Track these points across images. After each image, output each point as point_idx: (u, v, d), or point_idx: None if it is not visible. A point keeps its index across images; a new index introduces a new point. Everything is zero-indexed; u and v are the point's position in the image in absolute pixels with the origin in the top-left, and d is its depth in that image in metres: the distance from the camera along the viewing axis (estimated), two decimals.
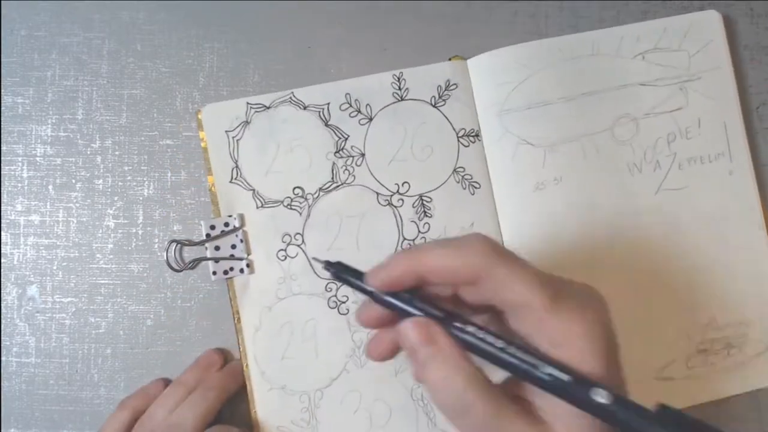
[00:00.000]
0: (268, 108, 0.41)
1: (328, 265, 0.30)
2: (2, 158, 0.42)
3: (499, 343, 0.26)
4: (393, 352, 0.29)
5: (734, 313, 0.42)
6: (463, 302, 0.28)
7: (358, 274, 0.29)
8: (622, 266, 0.41)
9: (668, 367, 0.41)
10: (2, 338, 0.41)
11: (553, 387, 0.25)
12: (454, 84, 0.42)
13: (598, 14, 0.43)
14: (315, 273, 0.41)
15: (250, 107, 0.41)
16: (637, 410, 0.24)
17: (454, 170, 0.42)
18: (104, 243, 0.42)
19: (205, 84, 0.42)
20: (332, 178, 0.41)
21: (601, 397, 0.24)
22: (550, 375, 0.25)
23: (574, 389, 0.25)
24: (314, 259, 0.36)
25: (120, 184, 0.42)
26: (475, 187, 0.42)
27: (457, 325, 0.27)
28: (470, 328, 0.27)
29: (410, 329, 0.27)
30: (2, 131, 0.42)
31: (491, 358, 0.26)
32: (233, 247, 0.41)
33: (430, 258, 0.27)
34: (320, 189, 0.41)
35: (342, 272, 0.29)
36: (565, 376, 0.25)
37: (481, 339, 0.27)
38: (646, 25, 0.42)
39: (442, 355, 0.27)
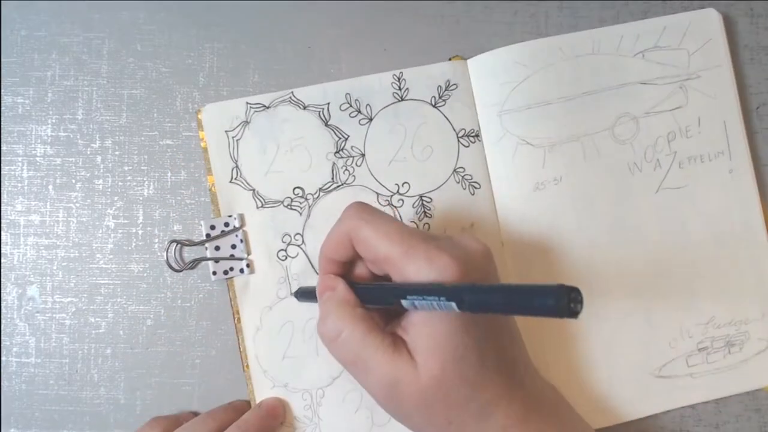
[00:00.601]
0: (268, 108, 0.41)
1: (294, 294, 0.40)
2: (2, 158, 0.42)
3: (382, 283, 0.33)
4: None
5: (734, 311, 0.42)
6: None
7: (314, 291, 0.37)
8: (622, 265, 0.41)
9: (668, 366, 0.41)
10: (2, 338, 0.41)
11: (421, 289, 0.29)
12: (454, 84, 0.42)
13: (598, 14, 0.43)
14: (315, 272, 0.41)
15: (250, 107, 0.41)
16: (468, 285, 0.28)
17: (454, 170, 0.42)
18: (104, 243, 0.42)
19: (205, 84, 0.42)
20: (332, 178, 0.41)
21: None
22: (414, 283, 0.30)
23: (430, 284, 0.29)
24: (292, 294, 0.41)
25: (120, 184, 0.42)
26: (475, 187, 0.42)
27: (363, 283, 0.34)
28: (368, 284, 0.34)
29: (321, 280, 0.35)
30: (2, 131, 0.42)
31: (380, 297, 0.33)
32: (233, 247, 0.41)
33: (323, 243, 0.35)
34: (320, 189, 0.41)
35: (302, 295, 0.40)
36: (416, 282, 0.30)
37: (371, 285, 0.34)
38: (645, 24, 0.42)
39: (336, 296, 0.34)
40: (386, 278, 0.33)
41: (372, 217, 0.33)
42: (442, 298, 0.28)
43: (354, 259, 0.35)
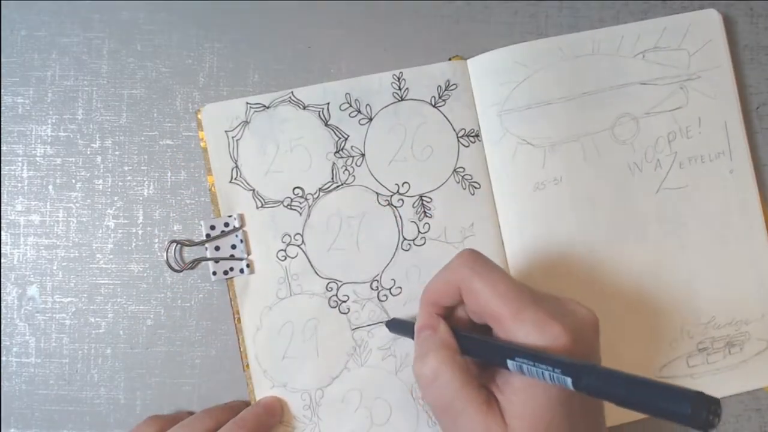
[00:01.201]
0: (268, 108, 0.41)
1: (387, 323, 0.40)
2: (2, 158, 0.42)
3: (487, 338, 0.31)
4: None
5: (735, 312, 0.42)
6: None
7: (409, 325, 0.36)
8: (622, 265, 0.41)
9: (669, 366, 0.41)
10: (2, 338, 0.41)
11: (526, 353, 0.28)
12: (454, 84, 0.42)
13: (598, 14, 0.43)
14: (315, 273, 0.41)
15: (250, 107, 0.41)
16: (590, 366, 0.26)
17: (454, 170, 0.42)
18: (104, 243, 0.42)
19: (205, 84, 0.42)
20: (332, 178, 0.41)
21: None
22: (530, 347, 0.29)
23: (545, 353, 0.28)
24: (385, 324, 0.41)
25: (120, 184, 0.42)
26: (475, 187, 0.42)
27: (461, 330, 0.33)
28: (472, 334, 0.32)
29: (421, 318, 0.34)
30: (2, 131, 0.42)
31: (483, 352, 0.31)
32: (233, 247, 0.41)
33: (428, 287, 0.34)
34: (320, 189, 0.41)
35: (395, 327, 0.39)
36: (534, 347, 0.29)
37: (474, 336, 0.32)
38: (646, 24, 0.42)
39: (437, 338, 0.32)
40: (485, 328, 0.32)
41: (485, 270, 0.31)
42: (557, 371, 0.26)
43: (457, 304, 0.34)
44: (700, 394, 0.22)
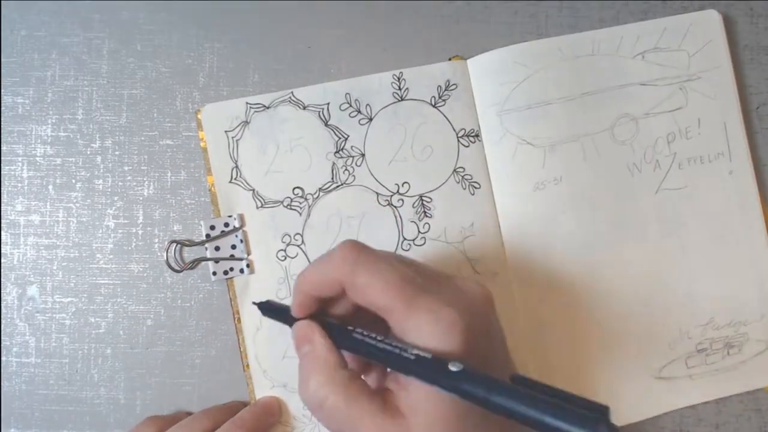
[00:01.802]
0: (268, 108, 0.41)
1: (259, 304, 0.35)
2: (2, 158, 0.42)
3: (376, 338, 0.29)
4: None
5: (734, 313, 0.42)
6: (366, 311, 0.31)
7: (285, 310, 0.33)
8: (621, 266, 0.41)
9: (668, 367, 0.41)
10: (2, 338, 0.41)
11: (417, 367, 0.27)
12: (454, 84, 0.42)
13: (598, 14, 0.43)
14: None
15: (250, 107, 0.41)
16: (484, 378, 0.26)
17: (454, 170, 0.42)
18: (104, 243, 0.42)
19: (205, 84, 0.42)
20: (332, 178, 0.41)
21: (454, 366, 0.26)
22: (415, 355, 0.27)
23: (434, 364, 0.26)
24: (253, 303, 0.37)
25: (120, 184, 0.42)
26: (475, 187, 0.42)
27: (347, 328, 0.30)
28: (356, 333, 0.30)
29: (296, 329, 0.32)
30: (2, 131, 0.42)
31: (372, 354, 0.29)
32: (233, 247, 0.41)
33: (304, 278, 0.31)
34: (320, 189, 0.41)
35: (268, 310, 0.35)
36: (427, 354, 0.27)
37: (362, 337, 0.30)
38: (646, 25, 0.42)
39: (315, 356, 0.30)
40: (370, 316, 0.30)
41: (370, 262, 0.29)
42: (443, 390, 0.26)
43: (338, 296, 0.31)
44: (595, 421, 0.22)
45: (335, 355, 0.30)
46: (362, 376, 0.33)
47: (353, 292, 0.30)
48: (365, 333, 0.30)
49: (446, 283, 0.31)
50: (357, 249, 0.30)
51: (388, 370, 0.30)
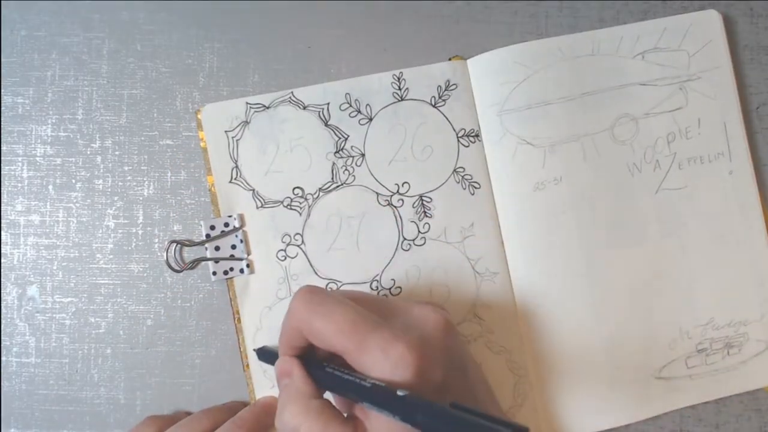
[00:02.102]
0: (268, 108, 0.41)
1: (256, 351, 0.39)
2: (2, 158, 0.42)
3: (342, 372, 0.31)
4: None
5: (734, 312, 0.42)
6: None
7: (276, 354, 0.35)
8: (621, 266, 0.41)
9: (668, 367, 0.41)
10: (2, 338, 0.41)
11: (370, 394, 0.29)
12: (454, 84, 0.42)
13: (598, 14, 0.43)
14: (315, 273, 0.41)
15: (250, 107, 0.41)
16: (428, 405, 0.27)
17: (454, 170, 0.42)
18: (104, 243, 0.42)
19: (205, 84, 0.42)
20: (332, 178, 0.41)
21: (401, 392, 0.28)
22: (371, 384, 0.29)
23: (384, 392, 0.28)
24: (254, 350, 0.40)
25: (120, 184, 0.42)
26: (475, 187, 0.42)
27: (322, 364, 0.33)
28: (328, 368, 0.32)
29: (278, 364, 0.34)
30: (2, 131, 0.42)
31: (339, 385, 0.31)
32: (233, 247, 0.41)
33: (281, 332, 0.34)
34: (320, 189, 0.41)
35: (263, 355, 0.38)
36: (381, 383, 0.29)
37: (332, 371, 0.32)
38: (645, 25, 0.42)
39: (292, 387, 0.32)
40: None
41: (321, 306, 0.31)
42: (396, 417, 0.27)
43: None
44: (512, 427, 0.24)
45: (310, 386, 0.32)
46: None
47: (312, 338, 0.31)
48: (335, 368, 0.32)
49: (400, 314, 0.33)
50: (309, 295, 0.32)
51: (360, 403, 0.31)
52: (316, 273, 0.41)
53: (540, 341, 0.41)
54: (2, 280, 0.41)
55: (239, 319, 0.41)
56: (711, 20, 0.42)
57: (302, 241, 0.41)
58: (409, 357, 0.29)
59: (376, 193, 0.41)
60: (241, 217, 0.41)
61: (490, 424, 0.25)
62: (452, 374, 0.32)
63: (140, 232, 0.42)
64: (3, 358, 0.41)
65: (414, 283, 0.41)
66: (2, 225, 0.42)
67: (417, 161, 0.42)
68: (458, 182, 0.42)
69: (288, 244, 0.41)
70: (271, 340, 0.40)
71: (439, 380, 0.30)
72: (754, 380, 0.42)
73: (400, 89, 0.42)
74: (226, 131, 0.41)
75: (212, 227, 0.41)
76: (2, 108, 0.42)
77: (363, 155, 0.41)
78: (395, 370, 0.29)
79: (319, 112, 0.41)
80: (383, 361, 0.29)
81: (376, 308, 0.32)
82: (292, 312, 0.32)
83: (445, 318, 0.33)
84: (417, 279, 0.41)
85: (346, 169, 0.41)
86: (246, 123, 0.41)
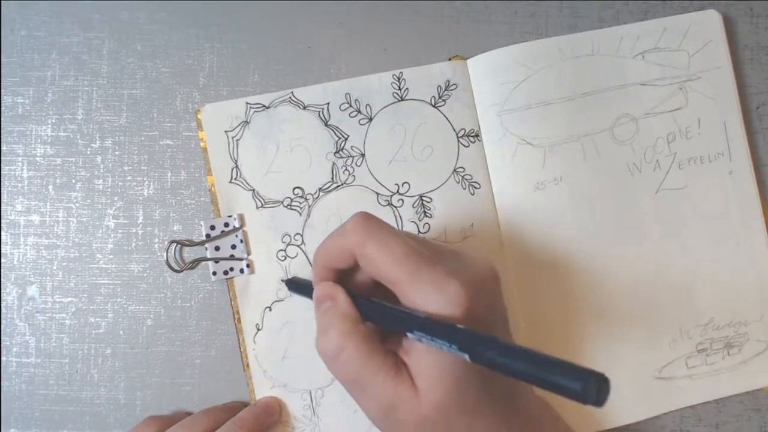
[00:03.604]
0: (268, 108, 0.41)
1: (286, 281, 0.39)
2: (2, 158, 0.42)
3: (387, 304, 0.31)
4: None
5: (734, 312, 0.42)
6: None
7: (309, 286, 0.35)
8: (621, 266, 0.41)
9: (668, 367, 0.41)
10: (2, 338, 0.41)
11: (426, 323, 0.28)
12: (454, 84, 0.42)
13: (598, 14, 0.43)
14: None
15: (250, 107, 0.41)
16: (489, 336, 0.26)
17: (454, 170, 0.42)
18: (104, 243, 0.42)
19: (205, 84, 0.42)
20: (332, 178, 0.41)
21: (461, 326, 0.27)
22: (425, 316, 0.28)
23: (442, 324, 0.28)
24: (281, 280, 0.40)
25: (120, 184, 0.42)
26: (475, 187, 0.42)
27: (362, 297, 0.32)
28: (372, 300, 0.32)
29: (319, 288, 0.33)
30: (2, 131, 0.42)
31: (385, 317, 0.31)
32: (233, 247, 0.41)
33: (320, 250, 0.33)
34: (320, 189, 0.41)
35: (294, 285, 0.38)
36: (428, 315, 0.28)
37: (375, 304, 0.31)
38: (646, 25, 0.42)
39: (337, 309, 0.31)
40: (388, 290, 0.32)
41: (379, 234, 0.30)
42: (453, 347, 0.26)
43: (353, 267, 0.33)
44: (591, 373, 0.22)
45: (356, 311, 0.31)
46: None
47: (363, 263, 0.31)
48: (378, 301, 0.32)
49: (453, 257, 0.32)
50: (367, 221, 0.31)
51: (406, 335, 0.30)
52: None
53: (540, 341, 0.41)
54: (2, 280, 0.41)
55: (239, 319, 0.41)
56: (711, 20, 0.42)
57: (302, 241, 0.41)
58: (462, 295, 0.28)
59: (376, 193, 0.41)
60: (241, 217, 0.41)
61: (565, 362, 0.23)
62: (496, 322, 0.32)
63: (140, 232, 0.42)
64: (3, 358, 0.41)
65: None
66: (2, 225, 0.42)
67: (417, 161, 0.42)
68: (458, 182, 0.42)
69: (288, 244, 0.41)
70: (271, 340, 0.40)
71: (485, 324, 0.30)
72: (754, 380, 0.42)
73: (400, 89, 0.42)
74: (226, 131, 0.41)
75: (212, 227, 0.41)
76: (2, 108, 0.42)
77: (363, 155, 0.41)
78: (447, 306, 0.28)
79: (319, 112, 0.41)
80: (436, 295, 0.28)
81: (431, 247, 0.32)
82: (347, 232, 0.31)
83: (495, 267, 0.32)
84: None
85: (346, 169, 0.41)
86: (246, 123, 0.41)
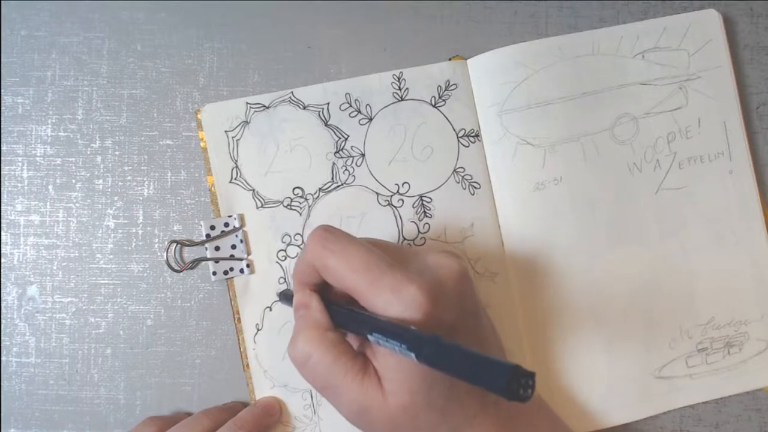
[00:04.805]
0: (268, 108, 0.41)
1: (279, 294, 0.40)
2: (2, 158, 0.42)
3: (354, 310, 0.32)
4: None
5: (734, 312, 0.42)
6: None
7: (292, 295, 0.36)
8: (621, 266, 0.41)
9: (668, 366, 0.41)
10: (2, 338, 0.41)
11: (383, 324, 0.29)
12: (454, 84, 0.42)
13: (598, 14, 0.43)
14: None
15: (250, 107, 0.41)
16: (435, 338, 0.26)
17: (454, 170, 0.42)
18: (104, 243, 0.42)
19: (205, 84, 0.42)
20: (332, 178, 0.41)
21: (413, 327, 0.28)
22: (384, 319, 0.29)
23: (397, 326, 0.28)
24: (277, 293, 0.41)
25: (120, 184, 0.42)
26: (475, 187, 0.42)
27: (334, 302, 0.33)
28: (343, 308, 0.32)
29: (296, 297, 0.34)
30: (2, 131, 0.42)
31: (351, 321, 0.32)
32: (233, 247, 0.41)
33: (295, 269, 0.34)
34: (320, 189, 0.41)
35: (284, 299, 0.39)
36: (391, 319, 0.29)
37: (344, 310, 0.32)
38: (645, 25, 0.42)
39: (308, 317, 0.33)
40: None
41: (336, 245, 0.31)
42: (403, 346, 0.27)
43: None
44: (515, 368, 0.23)
45: (326, 319, 0.32)
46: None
47: (325, 275, 0.32)
48: (348, 307, 0.32)
49: (415, 260, 0.33)
50: (325, 233, 0.32)
51: (367, 338, 0.31)
52: None
53: (540, 341, 0.41)
54: (2, 280, 0.41)
55: (239, 319, 0.41)
56: (711, 20, 0.42)
57: (302, 241, 0.41)
58: (420, 298, 0.29)
59: (376, 193, 0.41)
60: (241, 217, 0.41)
61: (493, 358, 0.24)
62: (464, 320, 0.32)
63: (140, 232, 0.42)
64: (3, 358, 0.41)
65: None
66: (2, 225, 0.42)
67: (417, 161, 0.42)
68: (458, 182, 0.42)
69: (288, 244, 0.41)
70: (271, 340, 0.40)
71: (449, 324, 0.31)
72: (755, 380, 0.42)
73: (400, 89, 0.42)
74: (226, 131, 0.41)
75: (212, 227, 0.41)
76: (2, 108, 0.42)
77: (363, 155, 0.41)
78: (406, 310, 0.29)
79: (319, 112, 0.41)
80: (394, 301, 0.29)
81: (392, 253, 0.32)
82: (308, 249, 0.32)
83: (460, 265, 0.32)
84: None
85: (346, 169, 0.41)
86: (246, 123, 0.41)
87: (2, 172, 0.42)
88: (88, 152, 0.42)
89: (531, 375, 0.23)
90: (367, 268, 0.30)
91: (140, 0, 0.42)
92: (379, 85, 0.42)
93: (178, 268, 0.41)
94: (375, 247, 0.32)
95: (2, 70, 0.42)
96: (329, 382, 0.31)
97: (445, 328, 0.30)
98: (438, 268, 0.32)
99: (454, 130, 0.42)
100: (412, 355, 0.27)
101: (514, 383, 0.23)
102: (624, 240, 0.41)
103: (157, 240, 0.42)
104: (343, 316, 0.32)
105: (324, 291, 0.34)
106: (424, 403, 0.30)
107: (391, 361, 0.30)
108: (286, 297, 0.39)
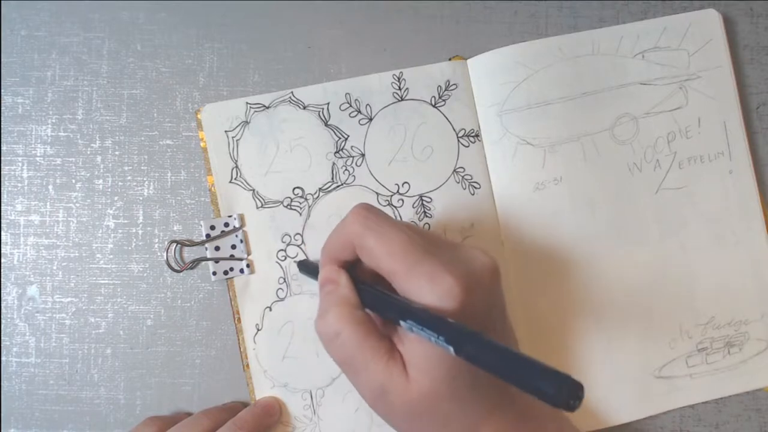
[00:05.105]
0: (268, 108, 0.41)
1: (298, 263, 0.40)
2: (2, 158, 0.42)
3: (386, 293, 0.31)
4: None
5: (734, 312, 0.42)
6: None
7: (316, 267, 0.36)
8: (622, 265, 0.41)
9: (668, 366, 0.41)
10: (2, 338, 0.41)
11: (417, 312, 0.29)
12: (454, 84, 0.42)
13: (598, 14, 0.43)
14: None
15: (250, 107, 0.41)
16: (478, 335, 0.26)
17: (454, 170, 0.42)
18: (104, 243, 0.42)
19: (205, 84, 0.42)
20: (332, 178, 0.41)
21: (451, 319, 0.28)
22: (418, 307, 0.29)
23: (433, 315, 0.28)
24: (295, 262, 0.41)
25: (120, 184, 0.42)
26: (475, 187, 0.42)
27: (363, 283, 0.33)
28: (373, 288, 0.32)
29: (324, 271, 0.34)
30: (2, 131, 0.42)
31: (382, 304, 0.31)
32: (233, 247, 0.41)
33: (327, 242, 0.34)
34: (320, 189, 0.41)
35: (304, 267, 0.39)
36: (423, 306, 0.29)
37: (374, 291, 0.32)
38: (645, 24, 0.42)
39: (338, 293, 0.32)
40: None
41: (377, 225, 0.31)
42: (440, 338, 0.27)
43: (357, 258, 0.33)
44: (566, 378, 0.23)
45: (356, 296, 0.32)
46: None
47: (361, 254, 0.32)
48: (378, 289, 0.32)
49: (451, 249, 0.32)
50: (367, 213, 0.32)
51: (399, 323, 0.30)
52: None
53: (540, 340, 0.41)
54: (2, 280, 0.41)
55: (239, 319, 0.41)
56: (711, 20, 0.42)
57: (302, 241, 0.41)
58: (456, 289, 0.29)
59: (376, 193, 0.41)
60: (241, 217, 0.41)
61: (544, 364, 0.24)
62: (493, 316, 0.32)
63: (140, 232, 0.42)
64: (3, 358, 0.41)
65: None
66: (2, 225, 0.42)
67: (417, 161, 0.42)
68: (458, 182, 0.42)
69: (288, 244, 0.41)
70: (271, 340, 0.40)
71: (480, 318, 0.30)
72: (754, 380, 0.42)
73: (400, 89, 0.42)
74: (226, 131, 0.41)
75: (212, 227, 0.41)
76: (2, 108, 0.42)
77: (363, 155, 0.41)
78: (441, 299, 0.29)
79: (319, 112, 0.41)
80: (430, 289, 0.29)
81: (430, 240, 0.32)
82: (347, 225, 0.32)
83: (494, 261, 0.32)
84: None
85: (346, 169, 0.41)
86: (246, 123, 0.41)
87: (2, 172, 0.42)
88: (88, 152, 0.42)
89: (580, 386, 0.23)
90: (406, 253, 0.30)
91: (140, 0, 0.42)
92: (379, 85, 0.42)
93: (178, 268, 0.41)
94: (413, 232, 0.32)
95: (2, 70, 0.42)
96: (355, 360, 0.31)
97: (474, 323, 0.30)
98: (472, 261, 0.31)
99: (454, 130, 0.42)
100: (451, 348, 0.26)
101: (566, 392, 0.23)
102: (624, 240, 0.41)
103: (157, 240, 0.42)
104: (373, 297, 0.32)
105: (350, 269, 0.34)
106: (446, 393, 0.30)
107: (420, 348, 0.30)
108: (307, 268, 0.38)
